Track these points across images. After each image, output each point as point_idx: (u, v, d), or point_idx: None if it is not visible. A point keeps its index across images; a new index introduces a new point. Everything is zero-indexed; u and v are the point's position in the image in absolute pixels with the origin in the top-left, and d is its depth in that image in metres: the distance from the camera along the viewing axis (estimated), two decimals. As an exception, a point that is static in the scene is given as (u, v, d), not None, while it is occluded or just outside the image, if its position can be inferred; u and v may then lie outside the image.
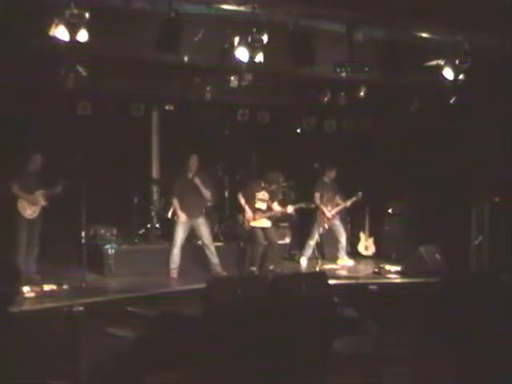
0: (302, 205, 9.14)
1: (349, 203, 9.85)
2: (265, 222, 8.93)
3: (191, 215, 8.73)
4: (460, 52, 7.72)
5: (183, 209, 8.70)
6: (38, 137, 8.93)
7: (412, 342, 6.27)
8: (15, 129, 8.84)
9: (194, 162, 8.75)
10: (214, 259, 8.78)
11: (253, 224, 8.82)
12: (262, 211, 8.90)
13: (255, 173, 9.83)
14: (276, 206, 9.03)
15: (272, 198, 9.01)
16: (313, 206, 9.51)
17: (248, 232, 8.85)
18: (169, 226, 9.10)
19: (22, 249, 7.87)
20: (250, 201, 8.89)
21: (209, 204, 9.12)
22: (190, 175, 8.76)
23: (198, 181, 8.68)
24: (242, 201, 8.89)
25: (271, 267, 8.76)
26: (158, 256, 8.86)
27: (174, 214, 8.87)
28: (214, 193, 9.11)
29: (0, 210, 7.88)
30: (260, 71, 7.88)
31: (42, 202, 8.07)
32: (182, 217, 8.68)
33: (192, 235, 8.98)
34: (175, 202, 8.75)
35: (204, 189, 8.72)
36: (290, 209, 9.04)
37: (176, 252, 8.66)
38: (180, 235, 8.69)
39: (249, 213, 8.81)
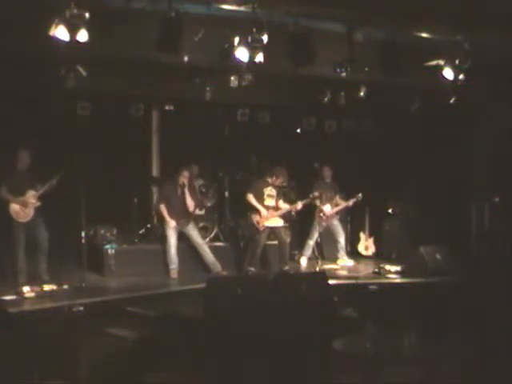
0: (309, 197, 9.09)
1: (350, 203, 9.82)
2: (277, 221, 8.88)
3: (180, 223, 8.70)
4: (460, 52, 7.72)
5: (172, 216, 8.67)
6: (37, 137, 8.89)
7: (412, 342, 6.28)
8: (15, 129, 8.81)
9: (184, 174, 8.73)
10: (210, 257, 8.74)
11: (266, 224, 8.74)
12: (272, 209, 8.83)
13: (255, 173, 9.82)
14: (282, 204, 8.98)
15: (278, 195, 8.97)
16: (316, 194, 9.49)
17: (258, 233, 8.73)
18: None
19: (20, 252, 7.69)
20: (259, 198, 8.79)
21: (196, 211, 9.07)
22: (180, 181, 8.68)
23: (185, 189, 8.65)
24: (253, 200, 8.76)
25: (286, 267, 8.73)
26: (157, 256, 8.82)
27: (162, 219, 8.79)
28: (200, 200, 9.12)
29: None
30: (260, 71, 7.88)
31: (35, 203, 7.71)
32: (172, 223, 8.66)
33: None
34: (162, 208, 8.72)
35: (189, 198, 8.68)
36: (300, 205, 8.98)
37: (173, 253, 8.62)
38: (173, 237, 8.64)
39: (264, 212, 8.73)
